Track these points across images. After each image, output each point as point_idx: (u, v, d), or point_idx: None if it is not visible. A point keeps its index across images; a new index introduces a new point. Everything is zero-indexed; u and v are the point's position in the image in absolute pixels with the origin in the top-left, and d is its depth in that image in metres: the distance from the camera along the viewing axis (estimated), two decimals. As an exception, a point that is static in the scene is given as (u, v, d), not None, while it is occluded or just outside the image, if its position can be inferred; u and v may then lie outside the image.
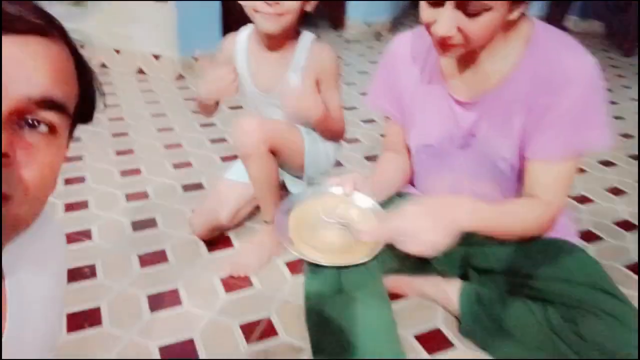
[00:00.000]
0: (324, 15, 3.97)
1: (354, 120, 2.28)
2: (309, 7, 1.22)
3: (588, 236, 1.52)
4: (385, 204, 0.99)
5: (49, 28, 0.44)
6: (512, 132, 0.98)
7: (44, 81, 0.43)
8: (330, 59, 1.29)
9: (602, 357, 0.89)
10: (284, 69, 1.28)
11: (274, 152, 1.26)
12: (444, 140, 1.07)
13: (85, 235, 1.45)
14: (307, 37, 1.30)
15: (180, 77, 2.79)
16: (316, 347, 0.97)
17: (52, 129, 0.44)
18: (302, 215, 1.00)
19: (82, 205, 1.60)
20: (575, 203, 1.70)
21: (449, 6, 0.81)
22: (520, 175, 1.03)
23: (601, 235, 1.54)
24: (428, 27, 0.87)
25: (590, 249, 1.46)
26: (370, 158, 1.98)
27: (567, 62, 0.90)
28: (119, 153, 1.95)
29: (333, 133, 1.35)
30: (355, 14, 3.62)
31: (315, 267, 1.00)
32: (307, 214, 1.00)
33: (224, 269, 1.30)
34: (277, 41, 1.26)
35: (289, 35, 1.26)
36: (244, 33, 1.33)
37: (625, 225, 1.59)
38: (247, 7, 1.18)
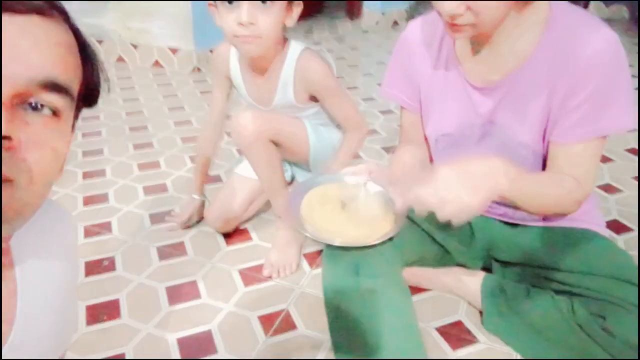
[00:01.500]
0: (340, 6, 3.93)
1: (371, 111, 2.25)
2: (289, 21, 1.14)
3: (616, 226, 1.47)
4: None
5: (50, 9, 0.43)
6: (533, 117, 0.94)
7: (46, 63, 0.42)
8: (317, 71, 1.19)
9: (633, 355, 0.85)
10: (273, 86, 1.23)
11: (275, 144, 1.23)
12: (462, 128, 1.04)
13: (105, 227, 1.46)
14: (294, 50, 1.20)
15: (197, 70, 2.79)
16: (335, 341, 0.96)
17: (55, 112, 0.43)
18: (315, 199, 0.98)
19: (101, 198, 1.61)
20: (603, 192, 1.65)
21: None
22: (542, 162, 1.00)
23: (630, 225, 1.49)
24: (437, 6, 0.84)
25: (619, 239, 1.42)
26: (389, 149, 1.95)
27: (588, 39, 0.85)
28: (137, 147, 1.96)
29: (358, 147, 1.31)
30: (371, 4, 3.58)
31: (332, 257, 0.99)
32: (321, 198, 0.98)
33: (267, 273, 1.28)
34: (262, 61, 1.20)
35: (274, 52, 1.19)
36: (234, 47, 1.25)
37: (654, 215, 1.54)
38: (226, 32, 1.10)
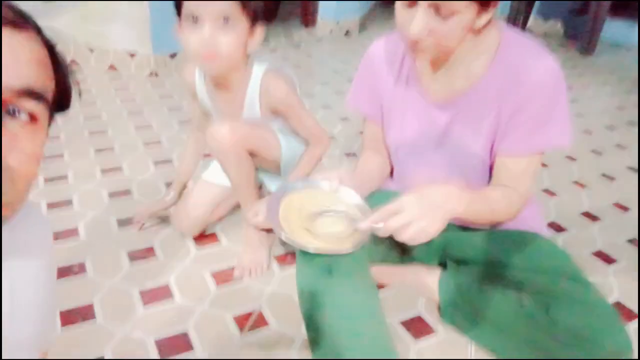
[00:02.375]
0: (295, 14, 4.01)
1: (330, 118, 2.33)
2: (252, 45, 1.18)
3: (555, 227, 1.63)
4: (367, 198, 1.05)
5: (24, 23, 0.48)
6: (483, 132, 1.05)
7: (23, 72, 0.46)
8: (281, 91, 1.25)
9: (574, 340, 0.97)
10: (240, 103, 1.28)
11: (250, 153, 1.29)
12: (420, 139, 1.14)
13: (72, 233, 1.46)
14: (258, 70, 1.25)
15: (155, 74, 2.79)
16: (312, 339, 1.03)
17: (32, 118, 0.47)
18: (293, 205, 1.05)
19: (65, 204, 1.60)
20: (542, 196, 1.81)
21: (422, 6, 0.88)
22: (490, 170, 1.11)
23: (566, 226, 1.64)
24: (402, 29, 0.94)
25: (558, 239, 1.57)
26: (349, 154, 2.04)
27: (533, 67, 0.97)
28: (98, 151, 1.95)
29: (319, 159, 1.38)
30: (325, 13, 3.68)
31: (306, 259, 1.06)
32: (298, 204, 1.05)
33: (238, 274, 1.34)
34: (226, 80, 1.24)
35: (237, 72, 1.23)
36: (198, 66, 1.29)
37: (589, 216, 1.71)
38: (190, 51, 1.13)
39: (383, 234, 0.90)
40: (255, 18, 1.15)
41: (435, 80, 1.08)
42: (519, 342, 1.06)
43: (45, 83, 0.49)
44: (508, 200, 1.04)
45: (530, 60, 0.98)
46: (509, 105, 1.00)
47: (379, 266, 1.27)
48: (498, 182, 1.07)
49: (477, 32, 0.97)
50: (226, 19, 1.10)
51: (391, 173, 1.29)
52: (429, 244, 1.25)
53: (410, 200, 0.89)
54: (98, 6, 2.69)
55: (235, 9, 1.09)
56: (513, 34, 1.02)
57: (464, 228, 1.22)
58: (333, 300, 0.99)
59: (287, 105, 1.27)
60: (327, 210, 1.05)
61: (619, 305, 1.30)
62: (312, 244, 0.99)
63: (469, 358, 1.12)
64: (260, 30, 1.18)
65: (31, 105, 0.47)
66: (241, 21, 1.12)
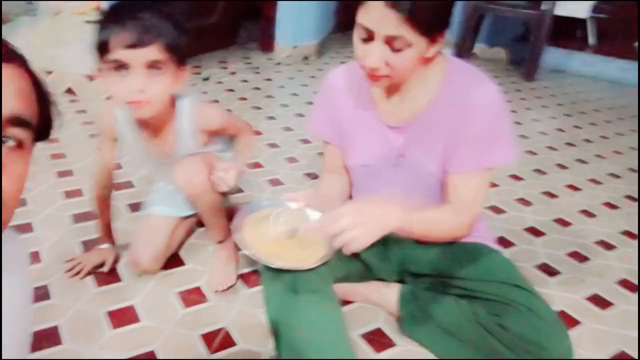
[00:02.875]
0: (254, 39, 4.09)
1: (291, 140, 2.40)
2: (178, 86, 1.20)
3: (502, 242, 1.74)
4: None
5: (12, 57, 0.53)
6: (436, 152, 1.15)
7: (12, 102, 0.51)
8: (216, 116, 1.34)
9: (523, 344, 1.06)
10: (171, 140, 1.31)
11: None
12: (378, 160, 1.22)
13: (34, 257, 1.45)
14: (184, 105, 1.29)
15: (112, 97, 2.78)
16: (277, 348, 1.07)
17: (19, 144, 0.52)
18: (258, 223, 1.10)
19: (26, 227, 1.59)
20: (491, 213, 1.93)
21: (377, 41, 0.98)
22: (443, 189, 1.20)
23: (513, 240, 1.76)
24: (360, 60, 1.03)
25: (505, 252, 1.67)
26: (310, 175, 2.11)
27: (477, 90, 1.09)
28: (60, 174, 1.94)
29: (253, 143, 1.49)
30: (283, 38, 3.78)
31: (272, 273, 1.11)
32: (263, 222, 1.10)
33: (212, 288, 1.39)
34: (155, 121, 1.26)
35: (165, 111, 1.24)
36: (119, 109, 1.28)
37: (533, 231, 1.83)
38: (116, 98, 1.14)
39: (323, 235, 1.00)
40: (182, 60, 1.16)
41: (390, 105, 1.17)
42: (472, 348, 1.14)
43: (31, 112, 0.54)
44: (452, 223, 1.14)
45: (474, 85, 1.09)
46: (457, 125, 1.10)
47: (342, 284, 1.33)
48: (450, 198, 1.15)
49: (427, 61, 1.07)
50: (155, 65, 1.10)
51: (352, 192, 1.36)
52: (387, 260, 1.34)
53: (348, 210, 0.98)
54: (53, 29, 2.67)
55: (163, 54, 1.10)
56: (458, 62, 1.14)
57: (420, 243, 1.30)
58: (299, 316, 1.04)
59: (225, 124, 1.37)
60: (280, 227, 1.10)
61: (561, 314, 1.40)
62: (277, 262, 1.04)
63: (426, 367, 1.19)
64: (186, 71, 1.20)
65: (19, 132, 0.51)
66: (169, 65, 1.13)
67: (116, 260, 1.45)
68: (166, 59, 1.11)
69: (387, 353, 1.22)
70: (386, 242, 1.32)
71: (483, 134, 1.09)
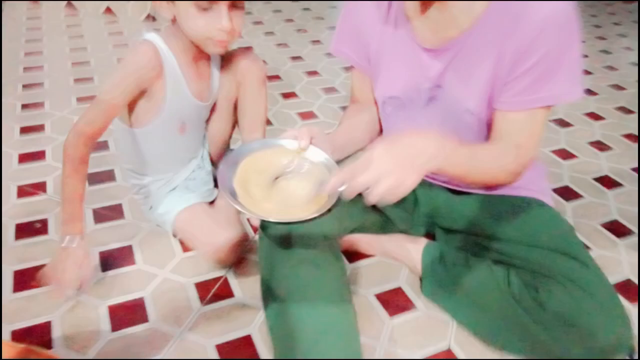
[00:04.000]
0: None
1: (333, 68, 2.17)
2: None
3: (566, 192, 1.47)
4: (350, 161, 0.92)
5: None
6: (480, 82, 0.91)
7: None
8: (260, 64, 1.20)
9: (563, 328, 0.85)
10: (207, 74, 1.16)
11: None
12: (409, 91, 1.00)
13: (40, 188, 1.38)
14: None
15: (152, 18, 2.65)
16: (268, 315, 0.93)
17: None
18: (250, 169, 0.93)
19: (38, 155, 1.52)
20: (556, 157, 1.64)
21: None
22: (488, 129, 0.97)
23: (580, 192, 1.48)
24: None
25: (567, 206, 1.41)
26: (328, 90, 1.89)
27: (540, 3, 0.82)
28: (80, 100, 1.85)
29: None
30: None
31: (267, 227, 0.95)
32: (256, 168, 0.93)
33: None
34: (205, 58, 1.13)
35: None
36: (160, 41, 1.06)
37: (607, 181, 1.54)
38: (197, 34, 1.00)
39: (348, 195, 0.77)
40: None
41: (426, 22, 0.93)
42: (502, 325, 0.94)
43: None
44: (502, 159, 0.90)
45: None
46: (510, 49, 0.85)
47: (357, 235, 1.15)
48: (496, 141, 0.92)
49: None
50: (236, 5, 1.00)
51: (381, 131, 1.14)
52: (414, 211, 1.14)
53: (380, 152, 0.75)
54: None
55: None
56: None
57: (455, 192, 1.09)
58: (289, 276, 0.89)
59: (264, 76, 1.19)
60: (289, 171, 0.93)
61: (627, 284, 1.15)
62: (272, 214, 0.88)
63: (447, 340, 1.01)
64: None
65: None
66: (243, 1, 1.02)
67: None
68: None
69: (403, 318, 1.05)
70: (414, 190, 1.12)
71: (544, 62, 0.84)
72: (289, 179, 0.92)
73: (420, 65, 0.96)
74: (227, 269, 1.15)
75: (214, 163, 1.28)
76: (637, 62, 2.43)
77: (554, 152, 1.67)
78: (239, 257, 1.17)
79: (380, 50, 1.02)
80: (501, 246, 0.99)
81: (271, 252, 0.93)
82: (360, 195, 1.06)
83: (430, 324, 1.04)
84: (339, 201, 0.94)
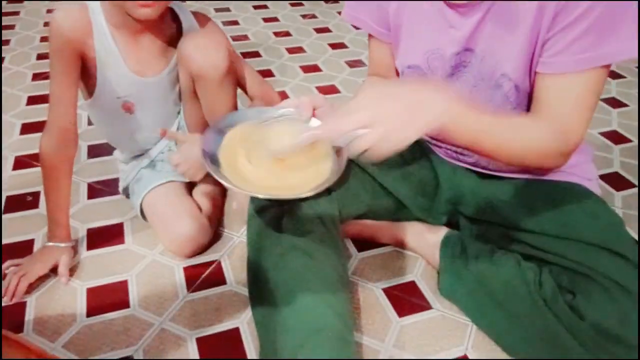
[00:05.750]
0: None
1: (360, 40, 2.02)
2: None
3: (615, 180, 1.28)
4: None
5: None
6: (519, 41, 0.75)
7: None
8: (223, 43, 1.00)
9: (603, 342, 0.69)
10: (164, 50, 1.01)
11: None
12: (433, 59, 0.85)
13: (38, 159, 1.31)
14: (185, 11, 1.03)
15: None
16: (253, 306, 0.82)
17: None
18: (238, 140, 0.81)
19: (41, 126, 1.44)
20: (606, 141, 1.44)
21: None
22: (525, 102, 0.81)
23: (632, 179, 1.29)
24: None
25: (617, 196, 1.23)
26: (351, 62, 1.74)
27: None
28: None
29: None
30: None
31: (257, 209, 0.83)
32: (245, 138, 0.81)
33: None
34: (153, 23, 0.95)
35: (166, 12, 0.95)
36: (96, 9, 0.94)
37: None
38: None
39: (331, 140, 0.66)
40: None
41: None
42: (528, 333, 0.79)
43: None
44: (540, 134, 0.72)
45: None
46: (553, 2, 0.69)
47: (368, 221, 1.02)
48: (536, 113, 0.76)
49: None
50: None
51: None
52: (435, 196, 0.99)
53: (375, 94, 0.61)
54: None
55: None
56: None
57: (483, 176, 0.93)
58: (278, 264, 0.77)
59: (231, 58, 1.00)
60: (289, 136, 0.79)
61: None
62: (262, 190, 0.75)
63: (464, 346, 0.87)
64: None
65: None
66: None
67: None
68: None
69: (414, 318, 0.91)
70: (432, 172, 0.97)
71: (595, 12, 0.67)
72: (289, 145, 0.79)
73: (447, 26, 0.81)
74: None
75: None
76: None
77: (603, 134, 1.47)
78: (199, 249, 1.03)
79: (400, 12, 0.87)
80: (533, 239, 0.84)
81: (260, 234, 0.81)
82: (368, 175, 0.94)
83: (446, 326, 0.90)
84: (342, 182, 0.81)
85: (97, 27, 0.93)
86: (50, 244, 0.98)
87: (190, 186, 1.13)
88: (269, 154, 0.72)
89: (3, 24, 2.12)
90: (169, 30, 1.01)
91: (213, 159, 0.77)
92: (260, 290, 0.79)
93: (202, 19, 1.05)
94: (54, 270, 0.97)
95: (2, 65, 1.77)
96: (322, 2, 2.44)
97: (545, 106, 0.74)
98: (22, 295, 0.92)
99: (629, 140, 1.45)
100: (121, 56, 0.96)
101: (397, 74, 0.96)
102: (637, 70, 1.83)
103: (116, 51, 0.96)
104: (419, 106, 0.60)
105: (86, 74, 0.97)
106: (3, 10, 2.26)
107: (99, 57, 0.95)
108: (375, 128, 0.57)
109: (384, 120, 0.57)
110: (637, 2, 0.68)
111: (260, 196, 0.75)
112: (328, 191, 0.81)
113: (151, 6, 0.87)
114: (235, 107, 1.05)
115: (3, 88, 1.63)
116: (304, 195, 0.73)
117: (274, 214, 0.81)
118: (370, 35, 0.96)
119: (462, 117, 0.64)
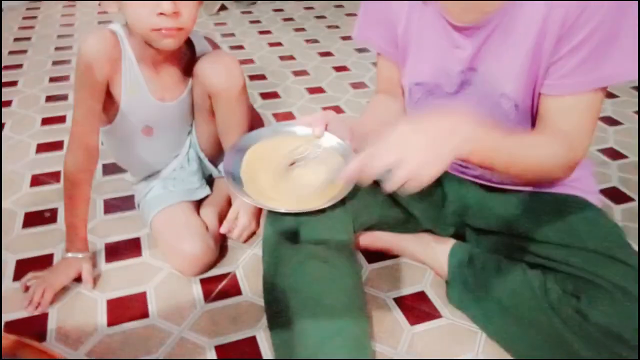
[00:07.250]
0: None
1: (363, 63, 2.08)
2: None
3: (614, 195, 1.33)
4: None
5: None
6: (518, 63, 0.80)
7: None
8: (239, 70, 1.05)
9: (609, 343, 0.73)
10: (181, 75, 1.06)
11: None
12: (439, 76, 0.90)
13: (55, 177, 1.35)
14: (200, 40, 1.08)
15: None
16: (269, 316, 0.84)
17: None
18: (258, 157, 0.86)
19: (56, 146, 1.49)
20: (603, 157, 1.49)
21: None
22: (532, 120, 0.85)
23: (631, 194, 1.34)
24: None
25: (616, 210, 1.27)
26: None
27: None
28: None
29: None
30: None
31: (273, 219, 0.87)
32: (265, 155, 0.86)
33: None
34: (171, 56, 1.01)
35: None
36: (124, 38, 0.98)
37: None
38: (139, 25, 0.90)
39: (365, 181, 0.69)
40: None
41: None
42: (537, 338, 0.82)
43: None
44: (550, 150, 0.77)
45: None
46: (555, 23, 0.74)
47: (377, 232, 1.06)
48: (542, 130, 0.81)
49: None
50: None
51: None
52: (442, 208, 1.03)
53: (403, 132, 0.65)
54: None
55: None
56: None
57: (488, 189, 0.97)
58: (295, 271, 0.80)
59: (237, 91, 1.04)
60: (301, 158, 0.85)
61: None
62: (280, 203, 0.80)
63: (475, 356, 0.90)
64: None
65: None
66: None
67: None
68: None
69: (425, 326, 0.94)
70: (439, 184, 1.02)
71: (596, 36, 0.72)
72: (301, 166, 0.84)
73: (451, 46, 0.86)
74: (235, 268, 1.07)
75: (213, 162, 1.19)
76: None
77: (601, 150, 1.53)
78: (205, 268, 1.05)
79: (408, 32, 0.92)
80: (538, 248, 0.88)
81: (277, 246, 0.84)
82: (379, 186, 0.98)
83: (456, 333, 0.93)
84: (355, 192, 0.85)
85: (125, 54, 0.98)
86: (70, 255, 1.00)
87: (198, 204, 1.16)
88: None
89: (17, 49, 2.18)
90: (186, 56, 1.06)
91: (235, 178, 0.82)
92: (277, 298, 0.81)
93: (212, 43, 1.11)
94: (74, 281, 1.00)
95: (16, 89, 1.83)
96: (324, 27, 2.52)
97: (551, 124, 0.79)
98: (48, 306, 0.95)
99: (626, 157, 1.50)
100: (145, 84, 1.01)
101: (403, 92, 1.01)
102: (631, 90, 1.89)
103: (141, 79, 1.00)
104: (444, 138, 0.64)
105: (108, 100, 1.00)
106: (16, 36, 2.32)
107: (124, 84, 0.99)
108: (404, 165, 0.62)
109: (412, 156, 0.62)
110: (637, 24, 0.73)
111: (281, 210, 0.80)
112: (342, 202, 0.85)
113: (174, 37, 0.92)
114: (249, 122, 1.10)
115: (19, 109, 1.68)
116: (322, 207, 0.79)
117: (290, 226, 0.84)
118: (378, 54, 1.01)
119: (482, 141, 0.68)
